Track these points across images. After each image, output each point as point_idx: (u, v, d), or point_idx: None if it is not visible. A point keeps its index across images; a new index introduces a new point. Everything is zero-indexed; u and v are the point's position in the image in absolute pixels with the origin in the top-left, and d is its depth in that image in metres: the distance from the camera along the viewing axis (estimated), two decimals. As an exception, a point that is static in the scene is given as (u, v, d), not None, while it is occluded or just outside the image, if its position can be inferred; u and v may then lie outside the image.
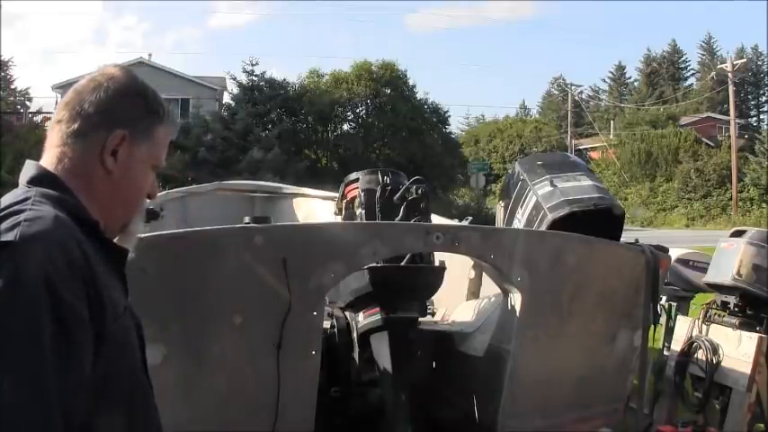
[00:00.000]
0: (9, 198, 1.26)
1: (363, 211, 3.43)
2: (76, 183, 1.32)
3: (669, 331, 4.99)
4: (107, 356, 1.21)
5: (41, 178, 1.31)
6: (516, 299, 3.10)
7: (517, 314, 3.09)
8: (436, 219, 4.08)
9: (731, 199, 34.65)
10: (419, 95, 34.04)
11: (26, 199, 1.24)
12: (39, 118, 27.38)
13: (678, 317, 5.01)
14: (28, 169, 1.34)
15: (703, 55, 61.21)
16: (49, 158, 1.34)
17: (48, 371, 1.11)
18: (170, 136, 1.46)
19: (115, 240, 1.38)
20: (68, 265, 1.17)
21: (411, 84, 33.75)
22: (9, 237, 1.15)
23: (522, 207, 3.85)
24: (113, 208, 1.37)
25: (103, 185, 1.34)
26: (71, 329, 1.15)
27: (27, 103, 32.79)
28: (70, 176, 1.32)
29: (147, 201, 1.48)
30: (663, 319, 4.84)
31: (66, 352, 1.14)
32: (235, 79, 30.22)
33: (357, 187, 3.54)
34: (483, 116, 64.50)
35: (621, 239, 3.71)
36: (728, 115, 39.07)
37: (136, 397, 1.33)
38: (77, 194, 1.31)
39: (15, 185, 1.34)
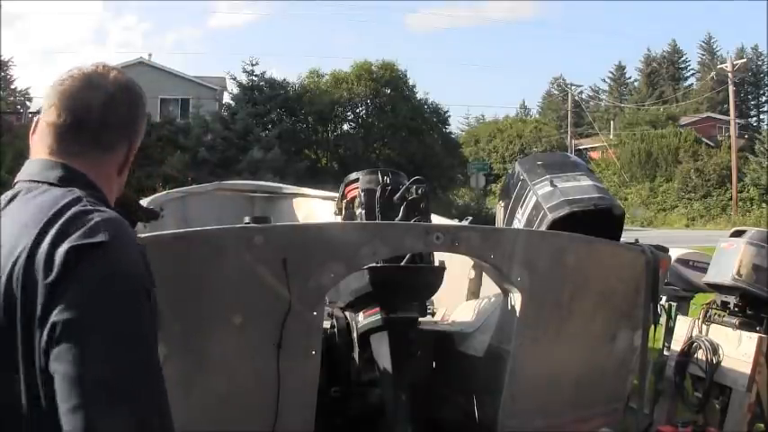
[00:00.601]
0: (49, 199, 1.23)
1: (363, 211, 3.42)
2: (102, 184, 1.35)
3: (669, 331, 4.99)
4: None
5: (75, 178, 1.30)
6: (516, 299, 3.10)
7: (517, 314, 3.08)
8: (436, 219, 4.08)
9: (731, 199, 34.67)
10: (419, 95, 34.15)
11: (78, 199, 1.24)
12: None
13: (678, 317, 5.01)
14: (49, 168, 1.31)
15: (703, 55, 61.26)
16: (69, 160, 1.33)
17: (156, 360, 1.19)
18: None
19: None
20: (146, 264, 1.23)
21: (411, 84, 33.84)
22: (100, 237, 1.16)
23: (522, 207, 3.85)
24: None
25: (113, 187, 1.40)
26: (156, 325, 1.22)
27: (27, 103, 32.84)
28: (96, 178, 1.34)
29: (147, 200, 1.51)
30: (663, 319, 4.84)
31: (157, 347, 1.20)
32: (235, 79, 30.28)
33: (357, 187, 3.54)
34: (483, 116, 64.76)
35: (621, 239, 3.71)
36: (728, 115, 39.08)
37: None
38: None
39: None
